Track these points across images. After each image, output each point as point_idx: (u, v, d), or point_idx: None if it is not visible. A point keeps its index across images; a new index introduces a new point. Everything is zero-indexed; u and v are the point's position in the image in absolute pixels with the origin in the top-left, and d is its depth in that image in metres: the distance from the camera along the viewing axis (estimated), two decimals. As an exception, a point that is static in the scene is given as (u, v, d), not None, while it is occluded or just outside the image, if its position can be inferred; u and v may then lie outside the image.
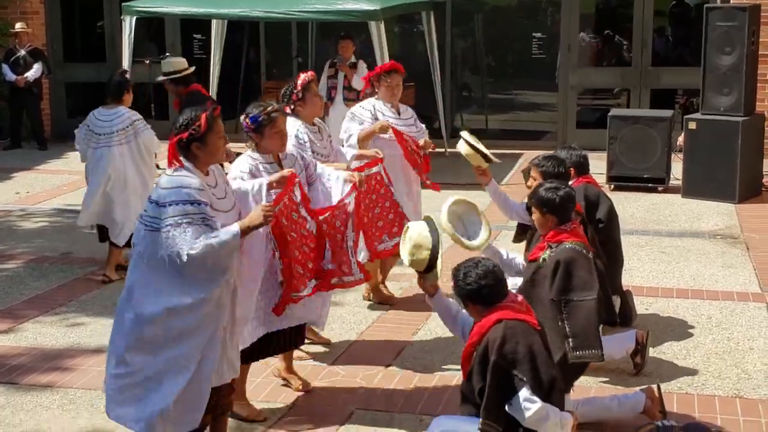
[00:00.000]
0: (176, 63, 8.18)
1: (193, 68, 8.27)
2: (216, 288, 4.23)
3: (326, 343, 6.19)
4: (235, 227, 4.24)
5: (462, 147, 5.85)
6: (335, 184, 5.35)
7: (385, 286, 7.05)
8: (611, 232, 6.18)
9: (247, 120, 5.10)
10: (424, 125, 7.06)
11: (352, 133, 6.63)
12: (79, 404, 5.42)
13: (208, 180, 4.37)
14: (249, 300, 4.82)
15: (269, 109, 5.12)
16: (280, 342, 5.25)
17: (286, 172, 4.97)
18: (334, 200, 5.25)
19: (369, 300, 6.97)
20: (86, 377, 5.77)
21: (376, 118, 6.67)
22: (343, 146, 6.55)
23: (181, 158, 4.33)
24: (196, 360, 4.24)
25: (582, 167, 6.16)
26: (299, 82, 5.96)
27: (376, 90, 6.84)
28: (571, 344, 4.70)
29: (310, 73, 6.11)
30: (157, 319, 4.19)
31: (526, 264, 5.22)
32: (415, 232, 4.62)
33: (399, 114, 6.80)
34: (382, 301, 6.94)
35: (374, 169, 6.13)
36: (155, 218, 4.21)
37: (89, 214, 7.69)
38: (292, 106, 5.95)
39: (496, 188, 5.95)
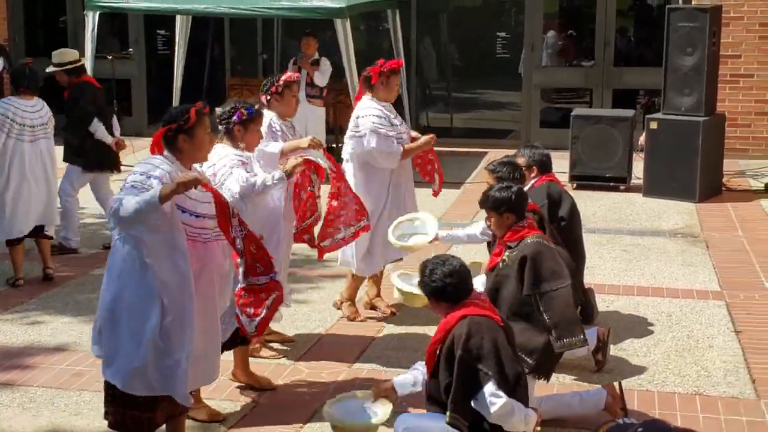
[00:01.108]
0: (69, 54, 8.21)
1: (84, 60, 8.34)
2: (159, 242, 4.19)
3: (290, 341, 6.18)
4: (156, 189, 4.11)
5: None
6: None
7: (381, 298, 6.78)
8: (573, 229, 6.23)
9: (243, 110, 5.13)
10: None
11: (398, 150, 6.24)
12: (39, 403, 5.36)
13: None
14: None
15: (257, 105, 5.22)
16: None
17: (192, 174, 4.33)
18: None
19: (374, 310, 6.70)
20: (47, 375, 5.71)
21: (390, 122, 6.34)
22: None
23: (165, 149, 4.35)
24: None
25: (544, 166, 6.20)
26: (283, 77, 5.94)
27: (379, 86, 6.33)
28: (554, 334, 4.75)
29: (296, 75, 6.15)
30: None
31: (487, 277, 5.12)
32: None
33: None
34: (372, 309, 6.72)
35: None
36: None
37: (36, 213, 7.40)
38: (269, 98, 5.94)
39: (450, 237, 5.99)
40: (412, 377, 4.53)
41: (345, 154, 6.44)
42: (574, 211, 6.26)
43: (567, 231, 6.05)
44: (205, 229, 4.42)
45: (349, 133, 6.41)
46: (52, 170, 7.54)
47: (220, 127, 5.23)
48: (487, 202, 5.01)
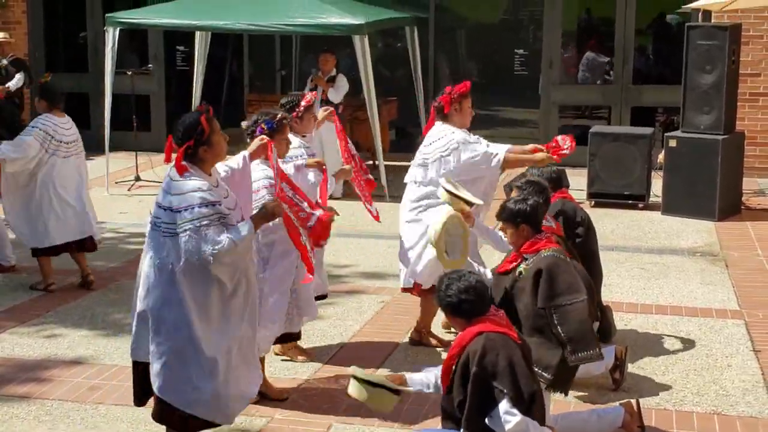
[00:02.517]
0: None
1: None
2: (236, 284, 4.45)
3: (310, 358, 6.19)
4: (248, 222, 4.42)
5: (441, 194, 5.64)
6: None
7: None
8: (589, 245, 6.20)
9: (263, 125, 5.28)
10: None
11: (497, 152, 6.13)
12: (55, 416, 5.37)
13: (211, 181, 4.46)
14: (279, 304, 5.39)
15: (280, 116, 5.36)
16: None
17: (259, 140, 5.04)
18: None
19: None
20: (63, 389, 5.72)
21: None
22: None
23: (187, 164, 4.42)
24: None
25: (556, 182, 6.19)
26: (304, 102, 6.01)
27: (453, 113, 6.19)
28: (569, 348, 4.72)
29: (313, 93, 6.25)
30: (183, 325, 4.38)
31: (494, 277, 5.10)
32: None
33: None
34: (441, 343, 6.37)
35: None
36: (171, 224, 4.32)
37: (71, 228, 7.58)
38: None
39: (482, 227, 5.78)
40: (425, 378, 4.49)
41: (416, 178, 6.26)
42: (589, 227, 6.24)
43: (582, 247, 6.02)
44: None
45: (427, 157, 6.17)
46: (83, 185, 7.68)
47: (248, 140, 5.33)
48: (503, 213, 5.01)
